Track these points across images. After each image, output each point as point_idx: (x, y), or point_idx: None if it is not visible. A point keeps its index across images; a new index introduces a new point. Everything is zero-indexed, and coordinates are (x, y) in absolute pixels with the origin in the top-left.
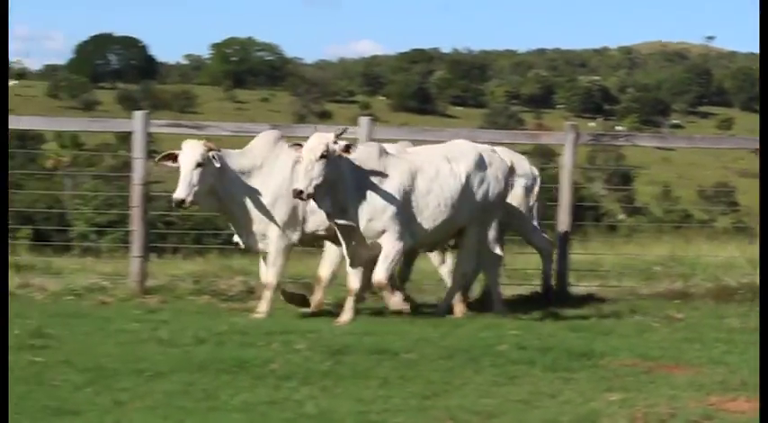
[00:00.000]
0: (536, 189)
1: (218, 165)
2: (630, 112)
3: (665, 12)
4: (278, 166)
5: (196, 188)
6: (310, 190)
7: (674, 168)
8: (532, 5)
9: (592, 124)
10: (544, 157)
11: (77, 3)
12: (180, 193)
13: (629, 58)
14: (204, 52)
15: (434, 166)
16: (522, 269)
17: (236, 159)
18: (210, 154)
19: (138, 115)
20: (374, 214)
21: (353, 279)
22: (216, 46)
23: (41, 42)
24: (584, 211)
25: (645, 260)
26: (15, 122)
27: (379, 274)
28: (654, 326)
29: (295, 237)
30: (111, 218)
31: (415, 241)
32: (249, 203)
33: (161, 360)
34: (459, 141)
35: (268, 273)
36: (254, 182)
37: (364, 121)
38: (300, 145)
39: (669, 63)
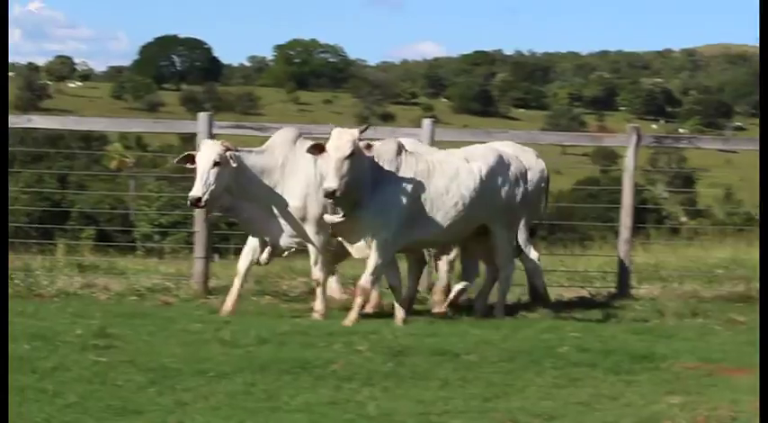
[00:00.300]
0: (543, 185)
1: (234, 165)
2: (693, 114)
3: (728, 14)
4: (302, 163)
5: (213, 187)
6: (342, 188)
7: (737, 171)
8: (596, 7)
9: (654, 126)
10: (606, 159)
11: (142, 4)
12: (196, 191)
13: (691, 60)
14: (268, 54)
15: (453, 166)
16: (582, 271)
17: (255, 158)
18: (228, 154)
19: (202, 117)
20: (381, 210)
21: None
22: (279, 48)
23: (106, 44)
24: (647, 214)
25: (707, 263)
26: (79, 123)
27: (363, 279)
28: (716, 329)
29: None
30: (174, 219)
31: (429, 237)
32: (276, 202)
33: (223, 360)
34: (479, 146)
35: (314, 269)
36: (275, 180)
37: (426, 123)
38: (318, 144)
39: (732, 65)
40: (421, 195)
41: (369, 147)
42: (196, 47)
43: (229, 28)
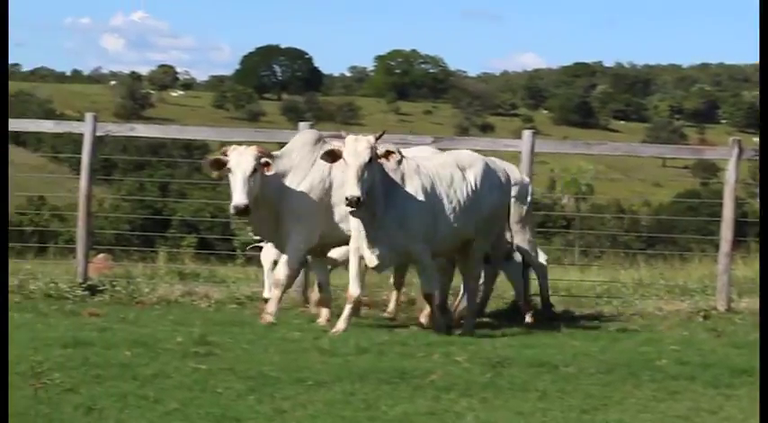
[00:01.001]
0: (529, 199)
1: (268, 172)
2: None
3: None
4: (314, 167)
5: (251, 196)
6: (364, 196)
7: None
8: (696, 20)
9: (756, 140)
10: (707, 171)
11: (245, 15)
12: (240, 199)
13: None
14: (368, 64)
15: (449, 173)
16: (682, 284)
17: (276, 163)
18: (262, 160)
19: (303, 127)
20: (401, 220)
21: (354, 286)
22: (380, 58)
23: (208, 53)
24: (747, 227)
25: None
26: (181, 132)
27: (429, 287)
28: None
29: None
30: None
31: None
32: (285, 205)
33: (322, 369)
34: (465, 151)
35: (280, 270)
36: (287, 183)
37: (527, 134)
38: (332, 151)
39: None
40: (431, 202)
41: (389, 154)
42: (297, 57)
43: (330, 38)
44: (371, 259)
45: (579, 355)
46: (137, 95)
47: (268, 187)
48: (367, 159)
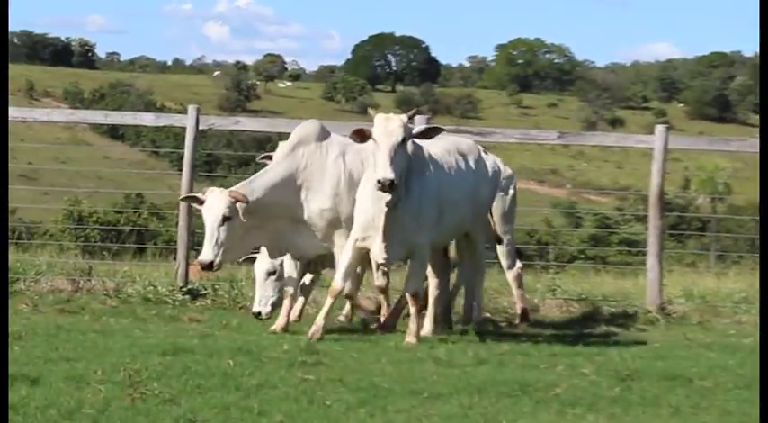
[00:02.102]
0: (511, 191)
1: (243, 219)
2: None
3: None
4: (330, 159)
5: (224, 247)
6: (398, 179)
7: None
8: None
9: None
10: None
11: (357, 1)
12: (206, 254)
13: None
14: (489, 54)
15: (453, 160)
16: None
17: (269, 179)
18: (237, 205)
19: (420, 121)
20: (418, 209)
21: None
22: (501, 47)
23: (318, 42)
24: None
25: None
26: (290, 126)
27: (416, 285)
28: None
29: None
30: None
31: (437, 240)
32: (301, 209)
33: (438, 381)
34: (460, 138)
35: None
36: (298, 185)
37: (659, 129)
38: (361, 130)
39: None
40: (441, 191)
41: (429, 133)
42: (413, 46)
43: (448, 26)
44: (380, 252)
45: (715, 368)
46: (242, 86)
47: (272, 207)
48: (400, 139)
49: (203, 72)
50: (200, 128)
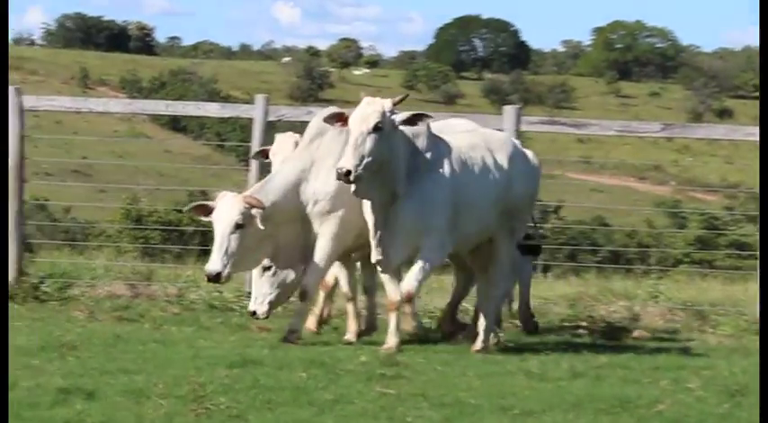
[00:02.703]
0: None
1: (261, 227)
2: None
3: None
4: (334, 148)
5: (234, 258)
6: (360, 171)
7: None
8: None
9: None
10: None
11: None
12: (214, 264)
13: None
14: (584, 38)
15: (480, 155)
16: None
17: (284, 180)
18: (253, 211)
19: (509, 111)
20: (422, 209)
21: (393, 289)
22: (598, 31)
23: (397, 25)
24: None
25: None
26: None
27: (410, 283)
28: None
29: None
30: None
31: (454, 247)
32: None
33: (530, 396)
34: (492, 130)
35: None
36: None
37: None
38: (338, 113)
39: None
40: (458, 191)
41: (416, 119)
42: (501, 29)
43: (540, 8)
44: (374, 253)
45: None
46: (314, 74)
47: (287, 202)
48: (371, 125)
49: (272, 58)
50: (269, 119)
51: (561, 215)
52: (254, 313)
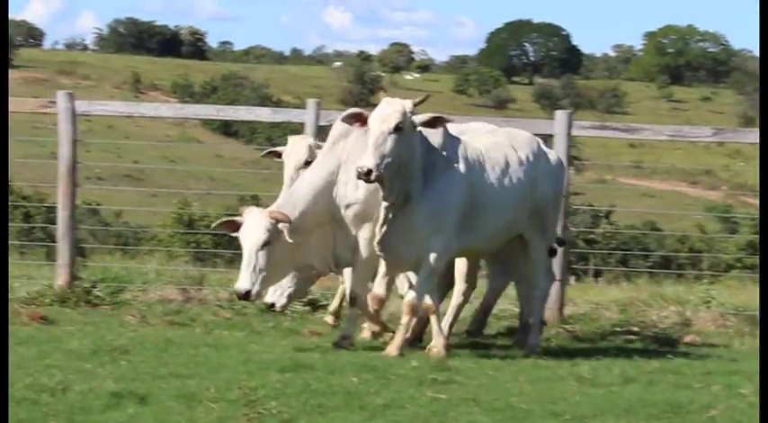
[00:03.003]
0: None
1: (290, 240)
2: None
3: None
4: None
5: (264, 274)
6: (381, 170)
7: None
8: None
9: None
10: None
11: None
12: (243, 283)
13: None
14: (636, 42)
15: (503, 154)
16: None
17: (308, 189)
18: (280, 226)
19: (560, 115)
20: (435, 210)
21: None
22: (650, 35)
23: (448, 30)
24: None
25: None
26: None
27: (416, 297)
28: None
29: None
30: None
31: (475, 245)
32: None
33: (581, 401)
34: (517, 129)
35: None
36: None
37: None
38: (358, 113)
39: None
40: (475, 192)
41: (435, 122)
42: (553, 34)
43: (591, 12)
44: (377, 247)
45: None
46: (365, 79)
47: (315, 211)
48: (393, 126)
49: (323, 63)
50: (321, 124)
51: (612, 220)
52: (272, 305)
